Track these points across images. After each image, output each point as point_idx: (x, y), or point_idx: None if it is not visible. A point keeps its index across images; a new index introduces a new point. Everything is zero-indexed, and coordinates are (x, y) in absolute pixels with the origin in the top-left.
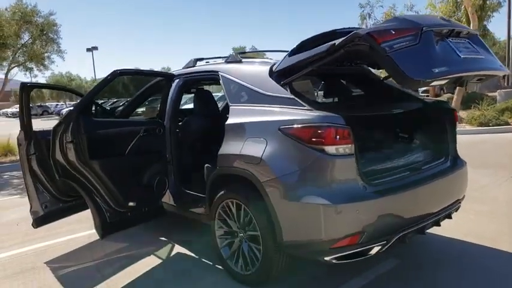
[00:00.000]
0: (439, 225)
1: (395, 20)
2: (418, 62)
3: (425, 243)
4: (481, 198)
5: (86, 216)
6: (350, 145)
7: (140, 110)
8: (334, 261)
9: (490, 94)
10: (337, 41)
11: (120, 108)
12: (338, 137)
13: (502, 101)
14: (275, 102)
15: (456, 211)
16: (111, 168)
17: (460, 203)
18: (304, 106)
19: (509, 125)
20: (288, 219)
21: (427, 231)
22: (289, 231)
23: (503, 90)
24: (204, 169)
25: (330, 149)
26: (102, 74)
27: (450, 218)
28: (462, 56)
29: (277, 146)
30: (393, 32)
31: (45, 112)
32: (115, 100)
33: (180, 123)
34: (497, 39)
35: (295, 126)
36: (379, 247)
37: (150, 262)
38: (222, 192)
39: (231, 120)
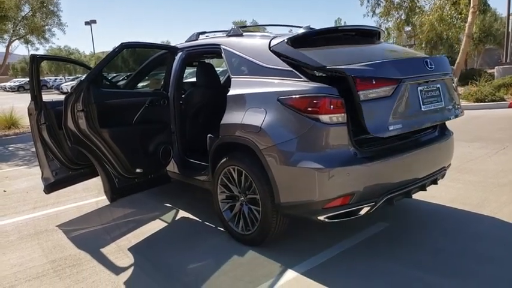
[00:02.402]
0: (425, 190)
1: (383, 65)
2: (379, 118)
3: (413, 208)
4: (472, 169)
5: (92, 185)
6: (343, 114)
7: (141, 84)
8: (326, 220)
9: (489, 71)
10: (328, 65)
11: (123, 81)
12: (332, 106)
13: (499, 77)
14: (274, 74)
15: (442, 178)
16: (120, 136)
17: (445, 170)
18: (301, 78)
19: (505, 100)
20: (285, 183)
21: (415, 196)
22: (286, 193)
23: (501, 66)
24: (206, 139)
25: (324, 118)
26: (101, 48)
27: (436, 183)
28: (423, 109)
29: (276, 115)
30: (374, 82)
31: (44, 86)
32: (114, 75)
33: (183, 95)
34: (499, 15)
35: (292, 96)
36: (368, 208)
37: (156, 226)
38: (224, 159)
39: (232, 91)
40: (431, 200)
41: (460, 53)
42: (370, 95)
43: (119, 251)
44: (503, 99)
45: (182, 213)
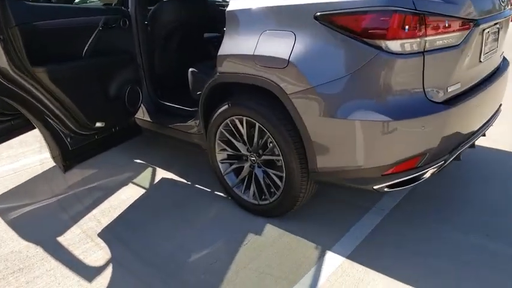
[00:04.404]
0: (485, 135)
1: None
2: (439, 76)
3: None
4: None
5: (32, 137)
6: (418, 40)
7: None
8: (385, 189)
9: None
10: None
11: None
12: (406, 27)
13: None
14: None
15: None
16: (66, 78)
17: (501, 108)
18: None
19: None
20: (327, 143)
21: None
22: (327, 156)
23: None
24: (186, 74)
25: (394, 45)
26: None
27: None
28: (482, 60)
29: (313, 42)
30: (446, 25)
31: None
32: None
33: (149, 13)
34: None
35: (341, 11)
36: (435, 169)
37: (130, 193)
38: (225, 107)
39: (235, 4)
40: None
41: None
42: (438, 42)
43: (86, 238)
44: None
45: (162, 173)
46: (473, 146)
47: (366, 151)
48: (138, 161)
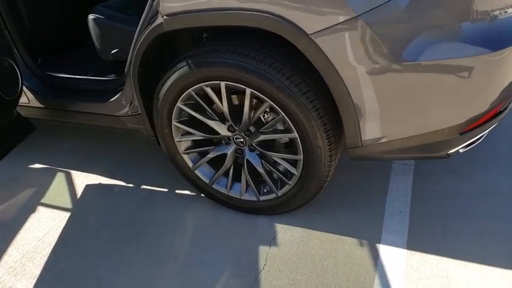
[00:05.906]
0: None
1: None
2: None
3: None
4: None
5: None
6: None
7: None
8: (461, 150)
9: None
10: None
11: None
12: None
13: None
14: None
15: None
16: None
17: None
18: None
19: None
20: (381, 103)
21: None
22: (380, 123)
23: None
24: (87, 24)
25: None
26: None
27: None
28: None
29: None
30: None
31: None
32: None
33: None
34: None
35: None
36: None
37: (45, 223)
38: (185, 70)
39: None
40: None
41: None
42: None
43: None
44: None
45: (83, 178)
46: None
47: (447, 105)
48: (38, 166)
